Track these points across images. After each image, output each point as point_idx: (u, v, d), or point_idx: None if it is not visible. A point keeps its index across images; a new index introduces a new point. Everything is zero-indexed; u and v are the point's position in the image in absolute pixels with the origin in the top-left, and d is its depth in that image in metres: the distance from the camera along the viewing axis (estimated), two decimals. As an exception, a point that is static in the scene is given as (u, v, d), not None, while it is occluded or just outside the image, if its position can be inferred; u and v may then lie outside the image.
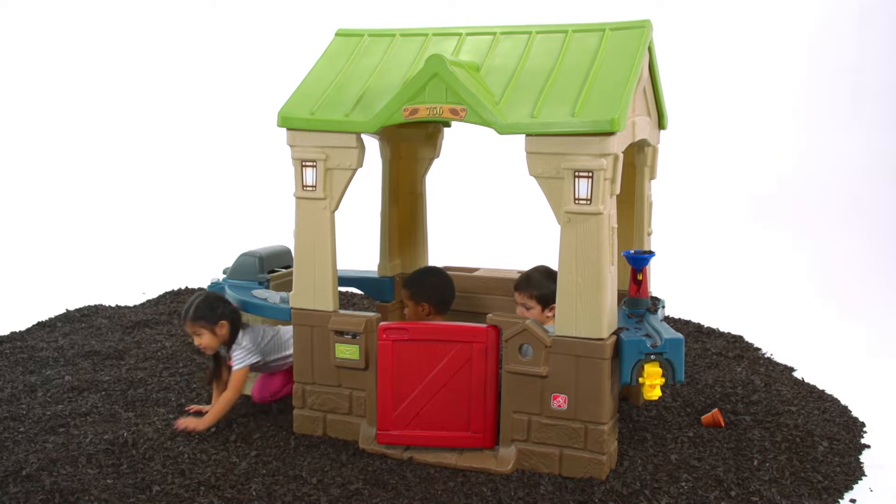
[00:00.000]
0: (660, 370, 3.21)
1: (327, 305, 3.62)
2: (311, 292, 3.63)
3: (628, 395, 4.09)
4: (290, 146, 3.60)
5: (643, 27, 3.48)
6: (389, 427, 3.53)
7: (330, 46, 3.93)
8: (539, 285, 3.62)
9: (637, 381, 3.23)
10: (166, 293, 6.42)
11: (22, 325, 5.54)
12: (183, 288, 6.56)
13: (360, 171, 3.56)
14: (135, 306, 6.04)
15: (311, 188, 3.57)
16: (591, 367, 3.22)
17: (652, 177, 3.98)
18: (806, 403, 4.15)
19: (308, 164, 3.56)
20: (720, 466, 3.41)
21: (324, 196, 3.56)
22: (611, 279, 3.21)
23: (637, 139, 3.47)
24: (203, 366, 4.59)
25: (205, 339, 3.82)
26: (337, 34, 4.00)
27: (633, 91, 3.22)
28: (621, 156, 3.19)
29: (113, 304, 6.07)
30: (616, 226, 3.26)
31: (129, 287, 6.51)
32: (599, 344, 3.20)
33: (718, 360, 4.83)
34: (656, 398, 3.27)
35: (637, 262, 3.65)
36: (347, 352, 3.58)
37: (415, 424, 3.51)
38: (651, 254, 3.68)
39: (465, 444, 3.47)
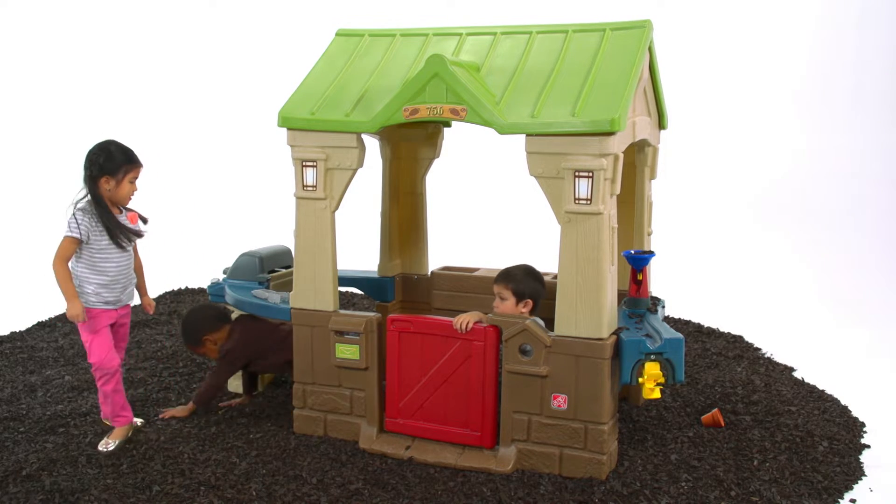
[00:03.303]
0: (660, 370, 3.21)
1: (327, 305, 3.62)
2: (311, 292, 3.63)
3: (628, 395, 4.09)
4: (291, 146, 3.60)
5: (643, 27, 3.49)
6: (396, 415, 3.57)
7: (330, 46, 3.93)
8: (517, 279, 3.61)
9: (637, 381, 3.23)
10: (166, 293, 6.42)
11: (22, 325, 5.54)
12: (183, 288, 6.57)
13: (360, 171, 3.56)
14: (135, 306, 6.03)
15: (311, 188, 3.57)
16: (591, 367, 3.22)
17: (652, 177, 3.98)
18: (806, 403, 4.15)
19: (308, 164, 3.56)
20: (720, 466, 3.41)
21: (324, 196, 3.56)
22: (611, 279, 3.22)
23: (637, 139, 3.48)
24: (203, 365, 4.59)
25: None
26: (337, 34, 4.00)
27: (633, 91, 3.22)
28: (621, 156, 3.19)
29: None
30: (616, 226, 3.26)
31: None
32: (599, 344, 3.20)
33: (718, 360, 4.83)
34: (656, 398, 3.27)
35: (637, 262, 3.66)
36: (347, 352, 3.59)
37: (419, 416, 3.54)
38: (651, 254, 3.69)
39: (466, 441, 3.48)
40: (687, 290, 6.05)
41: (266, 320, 4.03)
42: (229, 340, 4.00)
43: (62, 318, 5.68)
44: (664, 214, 5.64)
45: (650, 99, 3.73)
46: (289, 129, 3.59)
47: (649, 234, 4.02)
